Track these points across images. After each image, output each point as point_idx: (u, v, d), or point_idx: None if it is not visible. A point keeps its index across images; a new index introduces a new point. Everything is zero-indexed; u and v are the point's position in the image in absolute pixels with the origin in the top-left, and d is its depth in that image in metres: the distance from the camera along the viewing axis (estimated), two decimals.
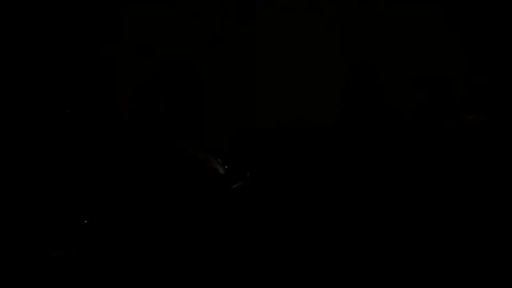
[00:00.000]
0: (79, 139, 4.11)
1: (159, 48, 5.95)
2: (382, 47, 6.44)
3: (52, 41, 5.36)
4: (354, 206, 4.46)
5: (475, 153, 5.24)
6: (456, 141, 5.35)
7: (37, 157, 3.85)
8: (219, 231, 3.39)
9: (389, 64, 6.27)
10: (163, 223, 3.16)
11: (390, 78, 5.93)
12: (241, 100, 6.61)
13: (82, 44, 5.79)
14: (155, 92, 4.19)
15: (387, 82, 5.88)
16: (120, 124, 4.14)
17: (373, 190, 5.36)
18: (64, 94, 4.68)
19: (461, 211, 4.88)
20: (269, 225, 3.73)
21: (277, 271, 3.12)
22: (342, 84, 6.00)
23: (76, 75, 5.52)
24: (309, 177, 6.30)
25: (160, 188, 3.39)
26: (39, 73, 4.64)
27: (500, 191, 4.97)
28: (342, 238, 3.66)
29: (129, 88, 4.22)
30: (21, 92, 4.37)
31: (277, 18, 6.58)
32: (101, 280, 2.93)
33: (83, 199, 3.59)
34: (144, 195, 3.31)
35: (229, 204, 3.57)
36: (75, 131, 4.13)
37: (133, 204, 3.25)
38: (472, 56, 6.21)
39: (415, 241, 3.83)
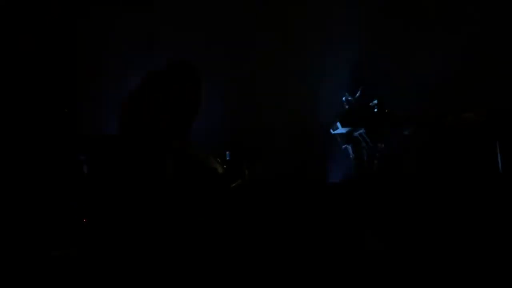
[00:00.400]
0: (78, 138, 4.12)
1: (159, 47, 5.96)
2: (381, 47, 6.44)
3: (52, 41, 5.36)
4: (353, 204, 4.46)
5: (474, 151, 5.24)
6: (456, 139, 5.35)
7: (36, 157, 3.86)
8: (219, 231, 3.39)
9: (388, 63, 6.28)
10: (162, 222, 3.17)
11: (389, 77, 5.93)
12: (241, 99, 6.61)
13: (81, 44, 5.79)
14: (155, 92, 4.19)
15: (386, 81, 5.88)
16: (120, 124, 4.15)
17: (373, 188, 5.36)
18: (63, 94, 4.69)
19: (460, 209, 4.89)
20: (268, 224, 3.74)
21: (277, 270, 3.13)
22: (342, 82, 5.99)
23: (76, 74, 5.52)
24: (308, 176, 6.30)
25: (159, 188, 3.40)
26: (39, 73, 4.65)
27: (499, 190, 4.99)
28: (341, 237, 3.67)
29: (129, 88, 4.22)
30: (21, 92, 4.38)
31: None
32: (101, 280, 2.93)
33: (83, 199, 3.60)
34: (143, 194, 3.32)
35: (228, 202, 3.58)
36: (74, 130, 4.14)
37: (132, 204, 3.26)
38: (471, 56, 6.22)
39: (415, 242, 3.84)
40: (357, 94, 5.72)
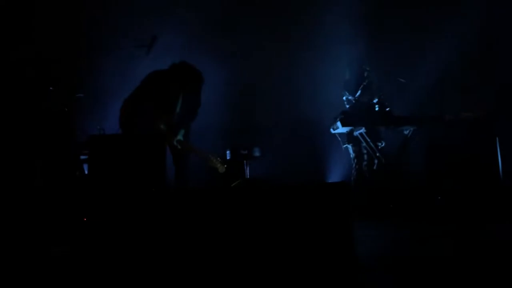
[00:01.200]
0: (78, 138, 4.14)
1: (159, 47, 5.97)
2: (381, 46, 6.44)
3: (52, 43, 5.38)
4: (353, 204, 4.46)
5: (474, 150, 5.25)
6: (455, 139, 5.36)
7: (37, 157, 3.88)
8: (218, 229, 3.40)
9: (388, 63, 6.29)
10: (161, 221, 3.17)
11: (389, 77, 5.94)
12: (241, 99, 6.63)
13: (81, 44, 5.82)
14: (155, 92, 4.21)
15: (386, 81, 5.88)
16: (120, 124, 4.17)
17: (373, 187, 5.37)
18: (63, 94, 4.72)
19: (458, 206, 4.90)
20: (267, 223, 3.74)
21: (276, 270, 3.13)
22: (341, 81, 6.00)
23: (75, 74, 5.55)
24: (308, 175, 6.30)
25: (158, 187, 3.41)
26: (38, 73, 4.67)
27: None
28: (340, 236, 3.67)
29: (129, 88, 4.25)
30: (21, 92, 4.40)
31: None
32: (100, 279, 2.94)
33: (83, 199, 3.61)
34: (143, 193, 3.33)
35: (227, 202, 3.58)
36: (74, 130, 4.15)
37: (132, 203, 3.27)
38: (471, 55, 6.23)
39: (415, 241, 3.84)
40: (358, 94, 5.71)
